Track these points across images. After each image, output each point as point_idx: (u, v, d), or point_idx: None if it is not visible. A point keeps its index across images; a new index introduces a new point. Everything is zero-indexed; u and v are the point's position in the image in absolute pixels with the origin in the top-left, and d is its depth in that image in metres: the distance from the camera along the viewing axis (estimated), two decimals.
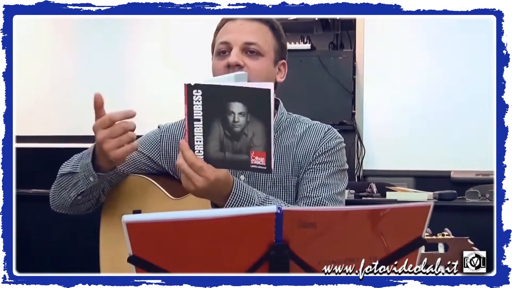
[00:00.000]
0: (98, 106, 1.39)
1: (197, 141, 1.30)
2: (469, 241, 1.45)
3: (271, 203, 1.43)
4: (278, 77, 1.60)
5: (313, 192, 1.52)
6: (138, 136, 1.69)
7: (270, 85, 1.26)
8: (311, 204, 1.50)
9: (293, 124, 1.62)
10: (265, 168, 1.28)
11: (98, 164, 1.45)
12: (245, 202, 1.38)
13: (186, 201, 1.49)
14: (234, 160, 1.30)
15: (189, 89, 1.28)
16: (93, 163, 1.45)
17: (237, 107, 1.27)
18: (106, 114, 1.40)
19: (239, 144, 1.28)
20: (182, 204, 1.51)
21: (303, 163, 1.56)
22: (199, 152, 1.30)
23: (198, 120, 1.29)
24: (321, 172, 1.54)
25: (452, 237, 1.47)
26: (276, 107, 1.63)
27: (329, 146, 1.56)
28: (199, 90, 1.28)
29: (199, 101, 1.28)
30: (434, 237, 1.47)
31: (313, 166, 1.55)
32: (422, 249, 1.46)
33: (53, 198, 1.58)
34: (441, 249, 1.46)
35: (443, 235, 1.48)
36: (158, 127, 1.69)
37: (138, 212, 1.55)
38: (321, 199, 1.50)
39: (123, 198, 1.58)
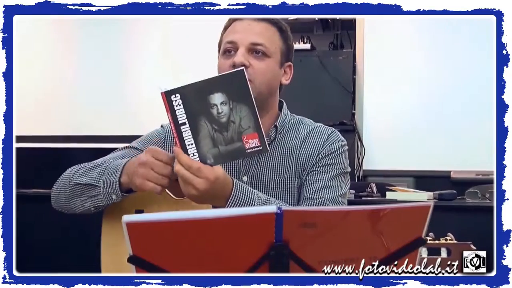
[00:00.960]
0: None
1: (189, 145, 1.30)
2: (472, 246, 1.45)
3: (271, 204, 1.43)
4: (283, 79, 1.60)
5: (315, 194, 1.52)
6: (138, 136, 1.69)
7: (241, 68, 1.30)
8: (313, 206, 1.50)
9: (296, 126, 1.62)
10: (261, 148, 1.30)
11: (122, 181, 1.43)
12: (246, 204, 1.38)
13: (188, 201, 1.49)
14: (229, 151, 1.30)
15: (167, 96, 1.28)
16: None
17: (217, 98, 1.28)
18: (170, 153, 1.38)
19: (229, 133, 1.29)
20: (185, 204, 1.51)
21: (306, 165, 1.56)
22: (193, 155, 1.30)
23: (184, 124, 1.29)
24: (324, 174, 1.54)
25: (455, 242, 1.47)
26: (280, 109, 1.63)
27: (332, 149, 1.56)
28: (176, 95, 1.28)
29: (179, 105, 1.28)
30: (437, 241, 1.47)
31: (316, 169, 1.55)
32: (425, 254, 1.46)
33: (58, 200, 1.55)
34: (443, 253, 1.46)
35: (446, 239, 1.48)
36: (161, 126, 1.68)
37: (141, 211, 1.55)
38: (324, 201, 1.50)
39: (125, 198, 1.58)
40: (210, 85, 1.28)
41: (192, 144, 1.30)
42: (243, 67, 1.28)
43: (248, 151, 1.30)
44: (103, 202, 1.47)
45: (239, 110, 1.28)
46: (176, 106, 1.28)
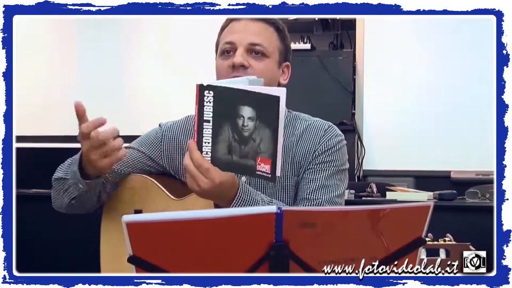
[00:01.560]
0: (81, 114, 1.37)
1: (205, 142, 1.30)
2: (471, 247, 1.45)
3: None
4: (281, 79, 1.60)
5: (312, 195, 1.51)
6: (138, 136, 1.69)
7: (281, 92, 1.25)
8: (311, 206, 1.49)
9: (293, 122, 1.61)
10: (270, 176, 1.28)
11: (87, 172, 1.44)
12: (249, 206, 1.37)
13: (187, 201, 1.49)
14: (241, 165, 1.29)
15: (201, 89, 1.28)
16: (82, 169, 1.44)
17: (246, 111, 1.26)
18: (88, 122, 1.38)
19: (247, 148, 1.28)
20: (184, 204, 1.51)
21: (303, 162, 1.54)
22: (206, 153, 1.30)
23: (208, 121, 1.29)
24: (321, 173, 1.53)
25: (454, 242, 1.47)
26: None
27: (329, 145, 1.55)
28: (211, 91, 1.27)
29: (210, 102, 1.28)
30: (436, 242, 1.47)
31: (313, 166, 1.53)
32: (423, 255, 1.46)
33: (53, 199, 1.58)
34: (442, 254, 1.46)
35: (444, 240, 1.48)
36: (159, 125, 1.68)
37: (139, 212, 1.55)
38: (321, 202, 1.49)
39: (124, 198, 1.58)
40: (244, 96, 1.27)
41: (209, 143, 1.30)
42: (282, 94, 1.24)
43: (258, 173, 1.29)
44: (74, 193, 1.49)
45: (263, 132, 1.27)
46: (206, 102, 1.28)
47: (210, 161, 1.30)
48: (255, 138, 1.27)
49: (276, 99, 1.24)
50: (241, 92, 1.27)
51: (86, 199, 1.52)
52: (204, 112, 1.28)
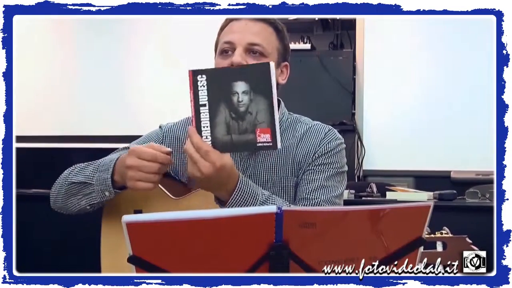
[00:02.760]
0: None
1: (204, 127, 1.31)
2: (467, 239, 1.46)
3: (274, 201, 1.43)
4: (280, 79, 1.60)
5: (311, 195, 1.52)
6: (138, 136, 1.69)
7: (270, 62, 1.29)
8: (309, 206, 1.50)
9: (293, 125, 1.62)
10: (271, 144, 1.30)
11: (115, 179, 1.44)
12: (250, 198, 1.37)
13: (187, 200, 1.49)
14: (241, 141, 1.30)
15: (194, 75, 1.30)
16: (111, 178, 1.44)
17: (240, 86, 1.29)
18: (152, 149, 1.38)
19: (245, 123, 1.30)
20: (183, 203, 1.51)
21: (303, 164, 1.55)
22: (206, 138, 1.31)
23: (204, 105, 1.31)
24: (320, 174, 1.54)
25: (451, 235, 1.48)
26: (278, 107, 1.63)
27: (329, 148, 1.56)
28: (203, 75, 1.30)
29: (203, 86, 1.30)
30: (432, 235, 1.48)
31: (312, 168, 1.54)
32: (421, 248, 1.47)
33: (56, 200, 1.56)
34: (439, 247, 1.47)
35: (441, 233, 1.49)
36: (160, 127, 1.69)
37: (139, 211, 1.55)
38: (319, 202, 1.50)
39: (124, 198, 1.58)
40: (236, 73, 1.30)
41: (207, 126, 1.31)
42: (271, 63, 1.28)
43: (259, 144, 1.30)
44: (97, 200, 1.48)
45: (258, 103, 1.29)
46: (200, 86, 1.30)
47: (210, 144, 1.31)
48: (251, 111, 1.29)
49: (267, 65, 1.28)
50: (232, 69, 1.32)
51: (101, 204, 1.52)
52: (200, 97, 1.30)
